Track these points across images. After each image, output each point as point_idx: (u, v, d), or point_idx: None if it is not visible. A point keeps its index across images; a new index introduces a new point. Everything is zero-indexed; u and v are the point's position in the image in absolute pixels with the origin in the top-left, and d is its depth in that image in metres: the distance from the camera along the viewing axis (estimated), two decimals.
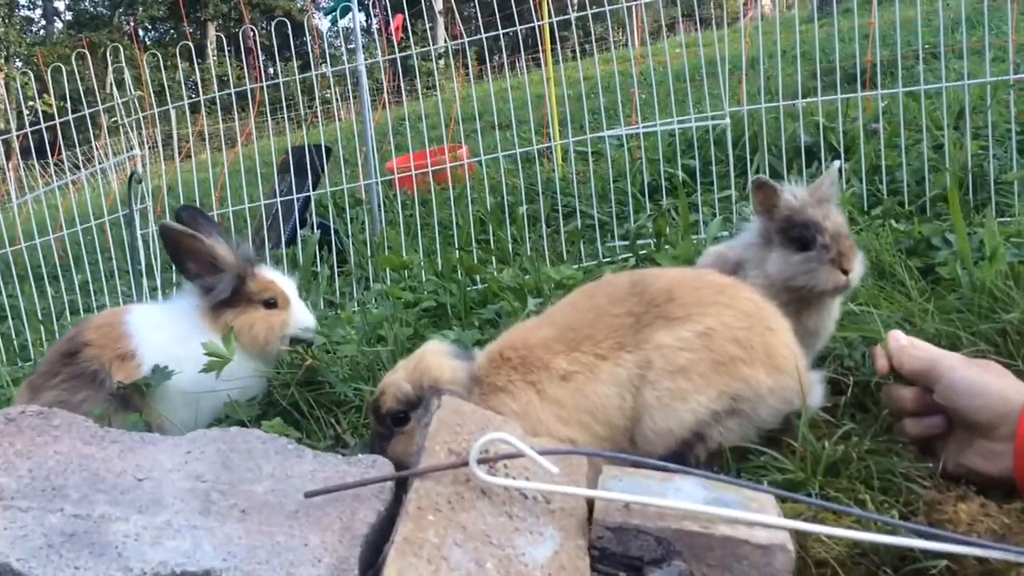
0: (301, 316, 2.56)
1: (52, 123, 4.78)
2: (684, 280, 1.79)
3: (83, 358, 2.35)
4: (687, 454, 1.71)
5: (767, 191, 2.07)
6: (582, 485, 1.57)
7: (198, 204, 5.57)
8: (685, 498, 1.50)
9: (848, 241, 2.04)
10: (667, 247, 3.56)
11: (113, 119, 4.39)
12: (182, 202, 5.59)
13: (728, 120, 4.08)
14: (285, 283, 2.58)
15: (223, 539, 1.36)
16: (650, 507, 1.46)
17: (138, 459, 1.52)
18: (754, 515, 1.42)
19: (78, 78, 4.53)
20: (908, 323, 2.35)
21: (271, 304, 2.50)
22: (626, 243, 3.99)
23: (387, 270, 4.13)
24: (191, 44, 4.49)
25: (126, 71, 4.40)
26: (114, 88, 4.51)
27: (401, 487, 1.60)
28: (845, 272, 1.99)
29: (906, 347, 1.79)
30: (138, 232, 4.30)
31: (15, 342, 4.71)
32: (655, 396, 1.67)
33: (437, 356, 1.80)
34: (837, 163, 2.29)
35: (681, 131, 4.88)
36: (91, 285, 4.98)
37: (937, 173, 3.90)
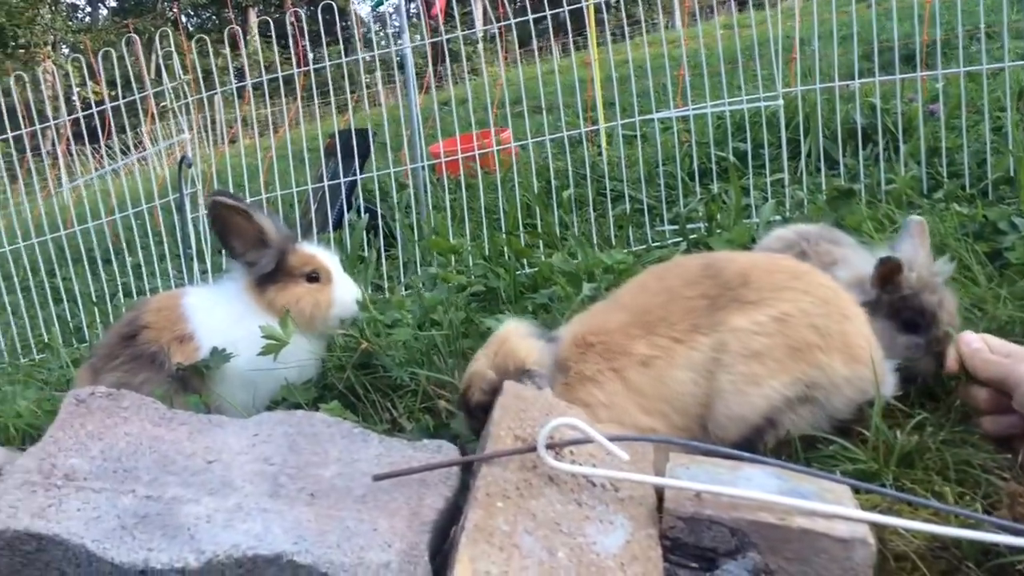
0: (346, 290, 2.52)
1: (102, 108, 4.83)
2: (759, 264, 1.74)
3: (142, 340, 2.36)
4: (757, 441, 1.67)
5: (891, 268, 1.97)
6: (650, 473, 1.53)
7: (245, 189, 5.61)
8: (757, 488, 1.46)
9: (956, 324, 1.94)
10: (719, 231, 3.50)
11: (163, 103, 4.41)
12: (229, 187, 5.62)
13: (781, 101, 3.99)
14: (327, 257, 2.54)
15: (293, 522, 1.35)
16: (723, 497, 1.42)
17: (207, 441, 1.51)
18: (834, 507, 1.38)
19: (128, 63, 4.55)
20: (978, 309, 2.28)
21: (313, 278, 2.48)
22: (675, 227, 3.93)
23: (434, 254, 4.12)
24: (238, 28, 4.49)
25: (175, 56, 4.43)
26: (163, 73, 4.54)
27: (466, 472, 1.59)
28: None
29: (978, 351, 1.71)
30: (188, 216, 4.33)
31: (71, 324, 4.78)
32: (729, 380, 1.63)
33: (520, 339, 1.76)
34: (917, 219, 2.13)
35: (730, 113, 4.80)
36: (143, 268, 5.03)
37: (999, 155, 3.78)
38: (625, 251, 3.48)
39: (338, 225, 4.79)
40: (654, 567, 1.35)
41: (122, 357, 2.36)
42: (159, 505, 1.36)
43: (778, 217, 3.65)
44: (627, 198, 4.32)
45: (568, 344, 1.80)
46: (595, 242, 3.97)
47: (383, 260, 4.20)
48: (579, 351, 1.78)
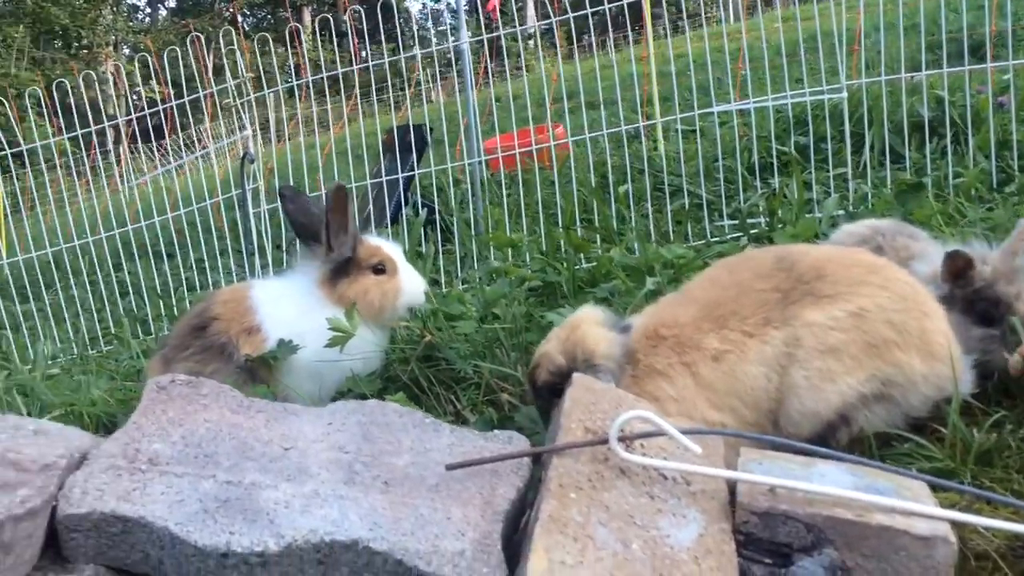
0: (411, 281, 2.54)
1: (168, 105, 4.94)
2: (834, 257, 1.72)
3: (212, 331, 2.41)
4: (830, 438, 1.65)
5: (960, 261, 1.93)
6: (721, 468, 1.52)
7: (305, 184, 5.70)
8: (832, 484, 1.44)
9: None
10: (781, 226, 3.45)
11: (226, 100, 4.50)
12: (292, 182, 5.71)
13: (845, 93, 3.91)
14: (392, 249, 2.57)
15: (368, 509, 1.37)
16: (798, 492, 1.41)
17: (283, 429, 1.54)
18: (914, 504, 1.35)
19: (193, 61, 4.65)
20: None
21: (380, 270, 2.50)
22: (735, 222, 3.88)
23: (490, 249, 4.13)
24: (298, 25, 4.56)
25: (238, 54, 4.51)
26: (226, 70, 4.63)
27: (536, 464, 1.59)
28: None
29: None
30: (250, 211, 4.41)
31: (136, 317, 4.90)
32: (803, 376, 1.61)
33: (592, 327, 1.76)
34: None
35: (791, 107, 4.72)
36: (205, 263, 5.14)
37: None
38: (685, 246, 3.45)
39: (395, 220, 4.84)
40: (728, 561, 1.34)
41: (193, 348, 2.41)
42: (239, 490, 1.39)
43: (841, 212, 3.59)
44: (685, 193, 4.27)
45: (639, 336, 1.79)
46: (653, 237, 3.94)
47: (440, 255, 4.23)
48: (650, 344, 1.77)
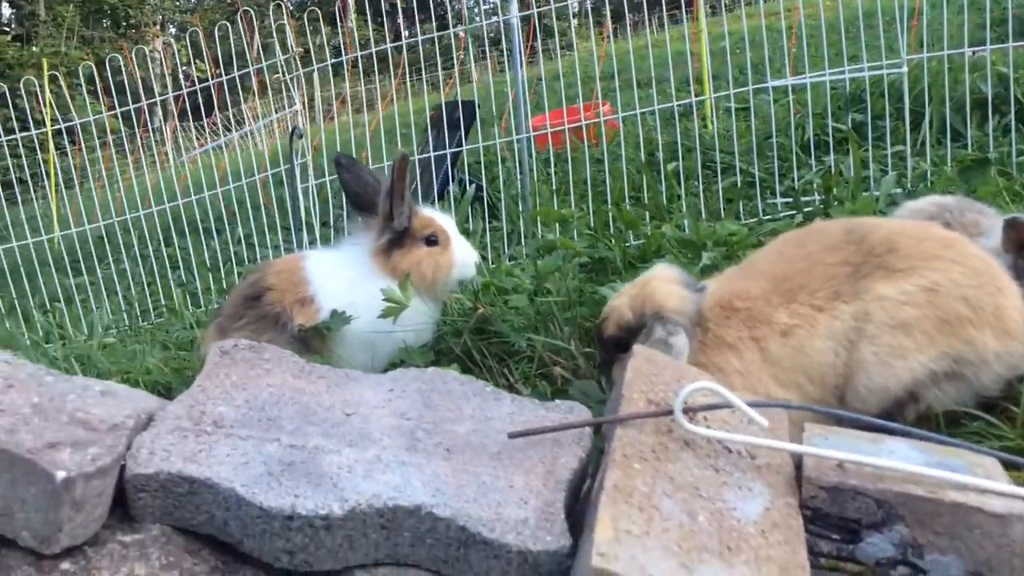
0: (464, 252, 2.52)
1: (217, 80, 4.98)
2: (906, 231, 1.67)
3: (266, 301, 2.43)
4: (897, 414, 1.61)
5: (1020, 229, 1.86)
6: (786, 442, 1.49)
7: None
8: (901, 460, 1.40)
9: None
10: (836, 204, 3.38)
11: (275, 75, 4.52)
12: (327, 161, 5.73)
13: (905, 69, 3.81)
14: (444, 220, 2.56)
15: (431, 476, 1.37)
16: (866, 467, 1.37)
17: (344, 394, 1.55)
18: (989, 482, 1.31)
19: (244, 38, 4.67)
20: None
21: (432, 241, 2.49)
22: (788, 200, 3.81)
23: (538, 225, 4.11)
24: (347, 2, 4.55)
25: (287, 29, 4.52)
26: (276, 46, 4.64)
27: (596, 434, 1.58)
28: None
29: None
30: (299, 186, 4.44)
31: (186, 289, 4.97)
32: (872, 351, 1.57)
33: (664, 283, 1.74)
34: None
35: (844, 84, 4.61)
36: (255, 239, 5.19)
37: None
38: (738, 224, 3.40)
39: (441, 196, 4.84)
40: (796, 536, 1.32)
41: (247, 317, 2.43)
42: (303, 454, 1.39)
43: (899, 190, 3.50)
44: (738, 170, 4.20)
45: (713, 304, 1.76)
46: (703, 215, 3.89)
47: (487, 231, 4.23)
48: (724, 314, 1.74)
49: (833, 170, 3.80)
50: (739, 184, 4.09)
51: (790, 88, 4.21)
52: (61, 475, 1.21)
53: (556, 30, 4.88)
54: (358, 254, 2.48)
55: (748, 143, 4.50)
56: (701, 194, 4.03)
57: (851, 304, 1.61)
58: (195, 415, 1.45)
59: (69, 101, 5.86)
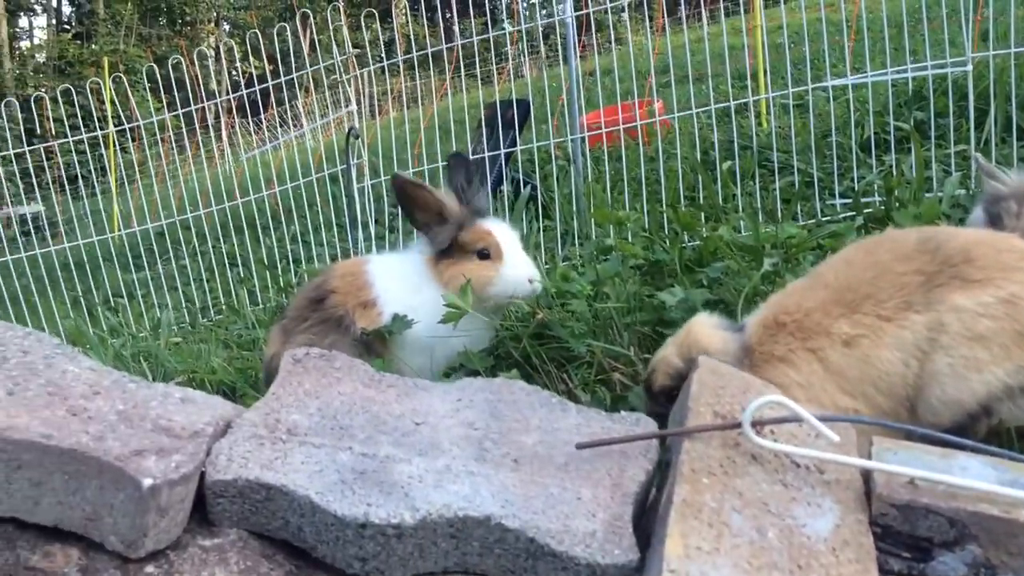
0: (516, 269, 2.48)
1: (275, 82, 5.06)
2: (983, 241, 1.64)
3: (329, 304, 2.47)
4: (969, 428, 1.58)
5: None
6: (855, 457, 1.48)
7: (394, 161, 5.77)
8: (974, 477, 1.38)
9: None
10: (898, 206, 3.32)
11: (332, 76, 4.58)
12: (380, 159, 5.80)
13: (970, 67, 3.72)
14: (503, 234, 2.52)
15: (499, 487, 1.39)
16: (939, 485, 1.36)
17: (414, 404, 1.57)
18: None
19: (299, 37, 4.74)
20: None
21: (484, 255, 2.48)
22: (847, 201, 3.75)
23: (591, 225, 4.11)
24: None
25: (344, 31, 4.58)
26: (332, 45, 4.70)
27: (663, 446, 1.58)
28: None
29: None
30: (355, 186, 4.50)
31: (244, 287, 5.07)
32: (947, 363, 1.55)
33: (705, 327, 1.76)
34: None
35: (903, 82, 4.52)
36: (310, 236, 5.27)
37: None
38: (796, 226, 3.36)
39: (494, 195, 4.86)
40: (867, 554, 1.31)
41: (311, 320, 2.48)
42: (374, 463, 1.42)
43: (962, 191, 3.43)
44: (795, 170, 4.15)
45: (756, 328, 1.76)
46: (760, 216, 3.85)
47: (540, 232, 4.24)
48: (768, 333, 1.73)
49: (894, 170, 3.73)
50: (797, 184, 4.04)
51: (850, 87, 4.13)
52: (148, 482, 1.26)
53: (610, 22, 4.86)
54: (417, 260, 2.52)
55: (806, 141, 4.44)
56: (758, 194, 3.99)
57: (924, 314, 1.59)
58: (270, 423, 1.49)
59: (131, 100, 6.01)
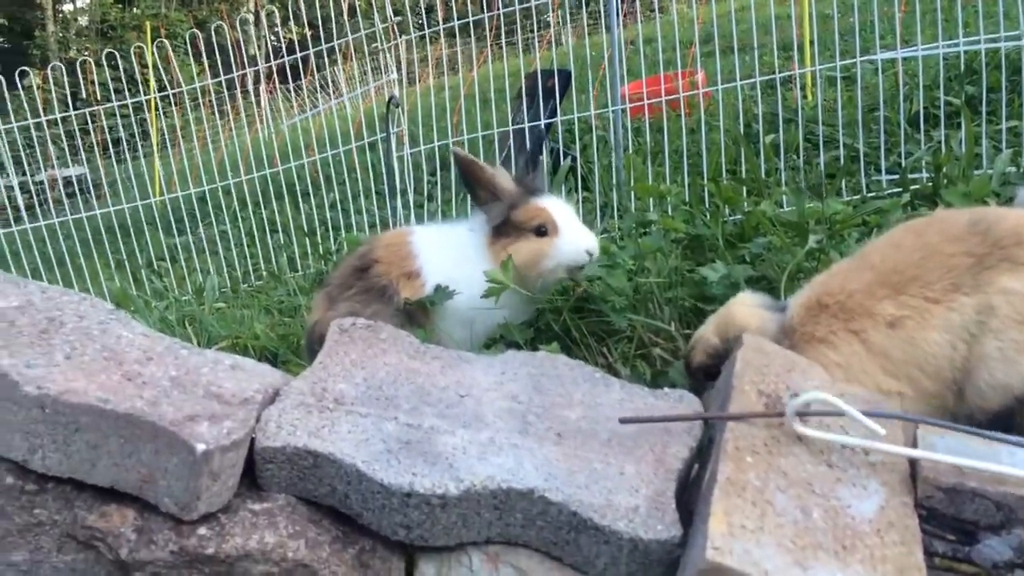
0: (571, 241, 2.47)
1: (316, 49, 5.07)
2: None
3: (373, 274, 2.49)
4: (1016, 413, 1.56)
5: None
6: (900, 440, 1.47)
7: (434, 129, 5.76)
8: (1021, 464, 1.37)
9: None
10: (947, 183, 3.25)
11: (374, 44, 4.58)
12: (421, 128, 5.80)
13: None
14: (558, 209, 2.51)
15: (543, 460, 1.40)
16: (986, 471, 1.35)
17: (458, 376, 1.59)
18: None
19: (340, 5, 4.74)
20: None
21: (541, 232, 2.46)
22: (894, 177, 3.68)
23: (631, 199, 4.09)
24: None
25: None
26: (374, 13, 4.69)
27: (705, 423, 1.58)
28: None
29: None
30: (394, 154, 4.51)
31: (285, 253, 5.13)
32: (997, 347, 1.53)
33: (745, 307, 1.75)
34: None
35: (955, 55, 4.40)
36: (350, 203, 5.30)
37: None
38: (842, 201, 3.31)
39: (533, 166, 4.84)
40: (912, 536, 1.30)
41: (355, 288, 2.50)
42: (419, 433, 1.44)
43: (1013, 168, 3.35)
44: (841, 144, 4.08)
45: (797, 308, 1.75)
46: (803, 191, 3.79)
47: (579, 204, 4.22)
48: (809, 314, 1.72)
49: (943, 146, 3.65)
50: (842, 159, 3.97)
51: (900, 59, 4.03)
52: (201, 447, 1.29)
53: None
54: (468, 235, 2.52)
55: (852, 115, 4.35)
56: (802, 169, 3.93)
57: (972, 296, 1.57)
58: (318, 391, 1.52)
59: (173, 64, 6.06)
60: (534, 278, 2.47)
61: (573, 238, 2.47)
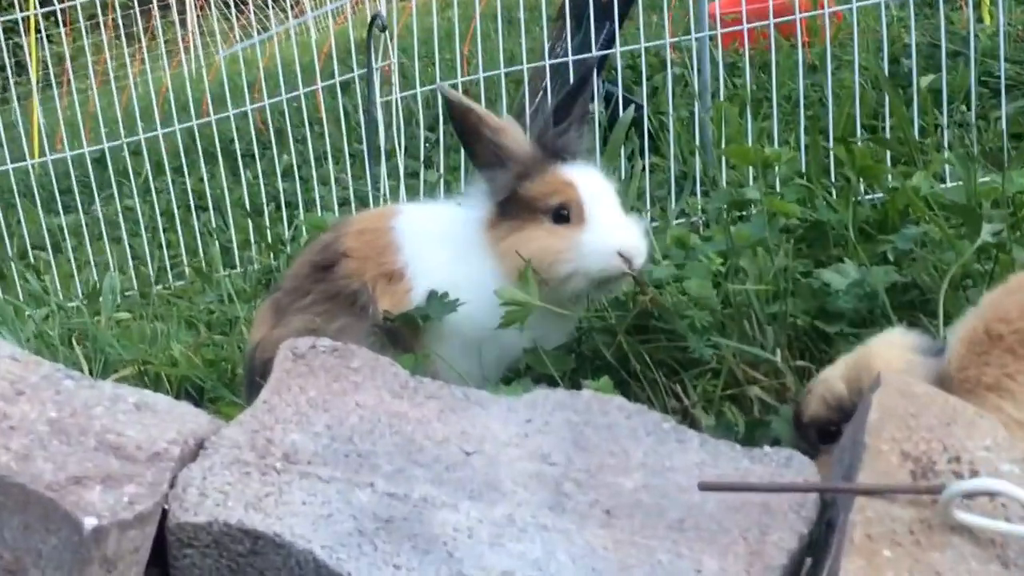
0: (600, 237, 2.41)
1: None
2: None
3: (340, 273, 2.51)
4: None
5: None
6: None
7: (436, 64, 5.79)
8: None
9: None
10: None
11: None
12: (417, 61, 5.84)
13: None
14: (589, 185, 2.47)
15: (584, 549, 1.41)
16: None
17: (463, 423, 1.60)
18: None
19: None
20: None
21: (561, 216, 2.44)
22: None
23: (723, 166, 4.09)
24: None
25: None
26: None
27: (823, 496, 1.59)
28: None
29: None
30: (377, 98, 4.54)
31: (218, 240, 5.17)
32: None
33: (890, 348, 1.77)
34: None
35: None
36: (312, 170, 5.34)
37: None
38: None
39: (580, 118, 4.84)
40: None
41: (314, 294, 2.52)
42: (405, 507, 1.45)
43: None
44: None
45: (957, 345, 1.75)
46: (977, 158, 3.79)
47: (646, 173, 4.23)
48: (974, 351, 1.72)
49: None
50: None
51: None
52: (91, 523, 1.31)
53: None
54: (469, 217, 2.52)
55: None
56: (974, 126, 3.92)
57: None
58: (259, 444, 1.54)
59: None
60: (548, 284, 2.43)
61: (604, 232, 2.42)
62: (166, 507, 1.44)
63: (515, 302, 2.34)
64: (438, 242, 2.53)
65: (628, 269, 2.38)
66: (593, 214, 2.44)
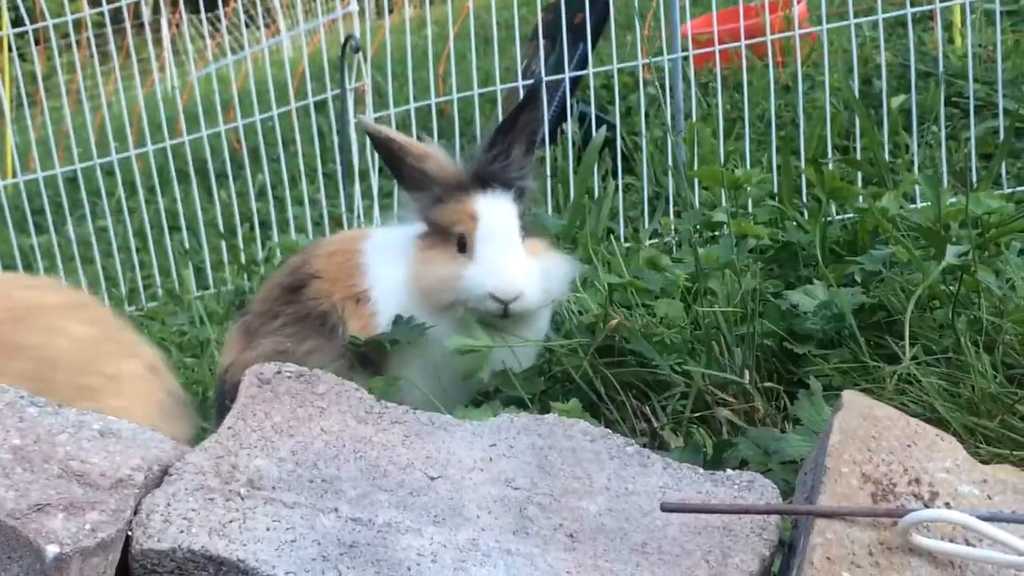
0: (482, 271, 2.44)
1: None
2: None
3: (310, 295, 2.53)
4: None
5: None
6: None
7: (409, 82, 5.81)
8: None
9: None
10: None
11: None
12: (391, 81, 5.86)
13: None
14: (492, 219, 2.48)
15: (547, 573, 1.43)
16: None
17: (428, 448, 1.61)
18: None
19: None
20: None
21: (463, 245, 2.48)
22: None
23: (695, 187, 4.11)
24: None
25: None
26: None
27: (785, 519, 1.60)
28: None
29: None
30: (352, 118, 4.56)
31: (191, 260, 5.18)
32: None
33: None
34: None
35: None
36: (286, 191, 5.35)
37: None
38: (999, 194, 3.32)
39: (553, 138, 4.88)
40: None
41: (283, 317, 2.54)
42: (370, 532, 1.46)
43: None
44: (1001, 110, 4.10)
45: None
46: (945, 179, 3.83)
47: (620, 194, 4.25)
48: None
49: None
50: (1002, 132, 3.99)
51: None
52: (53, 550, 1.31)
53: None
54: (405, 238, 2.57)
55: (1019, 68, 4.38)
56: (944, 146, 3.96)
57: None
58: (224, 470, 1.54)
59: None
60: (432, 307, 2.47)
61: (484, 271, 2.45)
62: (130, 534, 1.44)
63: (468, 349, 2.36)
64: (394, 264, 2.54)
65: (501, 311, 2.43)
66: (481, 250, 2.46)
